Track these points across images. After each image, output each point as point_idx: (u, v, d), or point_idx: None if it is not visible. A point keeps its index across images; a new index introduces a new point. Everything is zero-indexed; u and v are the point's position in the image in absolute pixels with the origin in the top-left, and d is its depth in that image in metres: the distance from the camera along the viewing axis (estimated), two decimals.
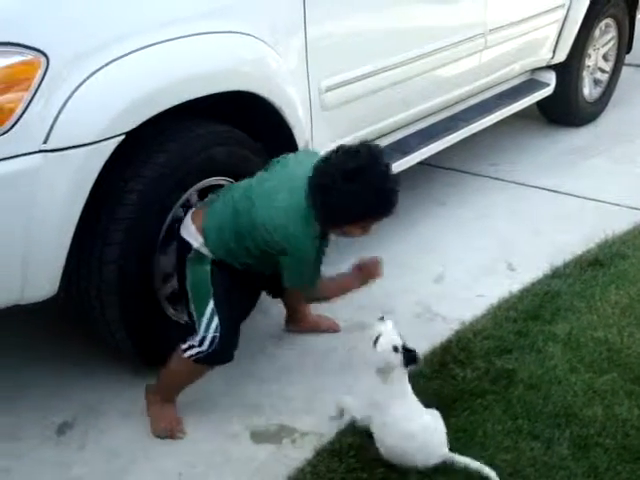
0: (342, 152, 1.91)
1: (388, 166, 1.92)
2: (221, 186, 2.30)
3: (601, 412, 2.12)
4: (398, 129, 3.00)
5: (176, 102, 2.03)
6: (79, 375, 2.35)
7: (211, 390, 2.29)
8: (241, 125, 2.33)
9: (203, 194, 2.26)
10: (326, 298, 2.21)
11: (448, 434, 1.99)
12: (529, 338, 2.46)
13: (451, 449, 1.96)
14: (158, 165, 2.07)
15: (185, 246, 2.05)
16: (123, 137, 1.92)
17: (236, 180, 2.31)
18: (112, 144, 1.90)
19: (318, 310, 2.55)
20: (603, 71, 4.54)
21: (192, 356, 2.02)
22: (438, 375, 2.29)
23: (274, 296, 2.44)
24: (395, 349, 1.89)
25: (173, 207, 2.15)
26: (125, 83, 1.92)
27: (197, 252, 2.03)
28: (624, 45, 4.59)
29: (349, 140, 2.74)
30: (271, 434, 2.14)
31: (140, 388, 2.28)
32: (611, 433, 2.05)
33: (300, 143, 2.47)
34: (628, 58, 4.76)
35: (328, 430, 2.11)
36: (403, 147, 3.05)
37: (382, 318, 1.94)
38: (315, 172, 1.91)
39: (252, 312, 2.50)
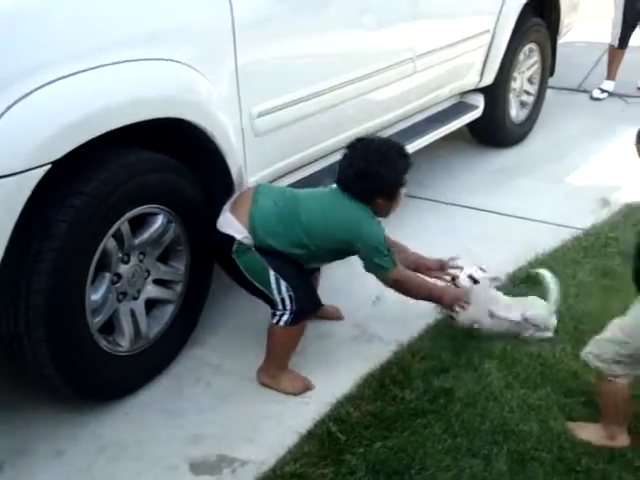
0: (363, 147, 2.36)
1: (402, 147, 2.43)
2: (154, 214, 2.27)
3: (536, 427, 2.17)
4: (330, 153, 3.03)
5: (103, 130, 1.99)
6: (7, 415, 2.26)
7: (148, 422, 2.24)
8: (173, 152, 2.31)
9: (135, 223, 2.23)
10: (407, 291, 2.45)
11: (389, 454, 1.99)
12: (465, 356, 2.49)
13: (395, 471, 1.99)
14: (88, 194, 2.03)
15: (225, 239, 2.27)
16: (49, 166, 1.87)
17: (169, 208, 2.29)
18: (38, 174, 1.85)
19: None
20: (529, 94, 4.69)
21: (286, 321, 2.28)
22: (378, 396, 2.30)
23: None
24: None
25: (104, 236, 2.11)
26: (51, 111, 1.88)
27: (240, 243, 2.25)
28: (547, 69, 4.76)
29: (281, 166, 2.76)
30: (211, 464, 2.10)
31: (73, 425, 2.21)
32: (547, 447, 2.10)
33: (233, 169, 2.46)
34: (551, 81, 4.94)
35: (268, 458, 2.09)
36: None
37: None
38: (350, 163, 2.33)
39: (189, 343, 2.53)
